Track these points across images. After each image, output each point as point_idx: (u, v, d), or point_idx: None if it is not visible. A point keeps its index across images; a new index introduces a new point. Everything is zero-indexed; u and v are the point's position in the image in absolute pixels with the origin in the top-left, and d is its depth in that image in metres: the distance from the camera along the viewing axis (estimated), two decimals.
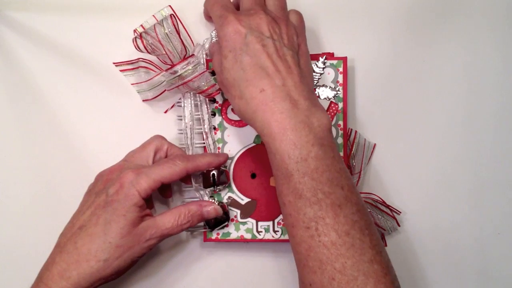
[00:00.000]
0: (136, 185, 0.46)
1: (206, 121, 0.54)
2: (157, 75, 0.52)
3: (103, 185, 0.48)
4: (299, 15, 0.50)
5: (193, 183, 0.54)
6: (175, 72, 0.51)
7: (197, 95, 0.54)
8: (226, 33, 0.45)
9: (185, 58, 0.52)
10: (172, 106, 0.56)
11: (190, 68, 0.51)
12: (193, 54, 0.53)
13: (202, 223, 0.53)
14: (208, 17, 0.52)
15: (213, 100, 0.54)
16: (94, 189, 0.49)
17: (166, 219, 0.48)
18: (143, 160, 0.51)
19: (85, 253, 0.45)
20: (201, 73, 0.51)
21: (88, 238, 0.45)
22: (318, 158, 0.42)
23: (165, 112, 0.56)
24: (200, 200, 0.53)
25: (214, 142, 0.54)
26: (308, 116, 0.43)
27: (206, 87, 0.52)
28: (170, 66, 0.52)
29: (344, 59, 0.54)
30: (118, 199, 0.46)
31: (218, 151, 0.54)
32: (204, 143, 0.54)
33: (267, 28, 0.45)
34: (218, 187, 0.53)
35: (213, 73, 0.55)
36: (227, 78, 0.46)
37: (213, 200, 0.53)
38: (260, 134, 0.44)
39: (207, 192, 0.54)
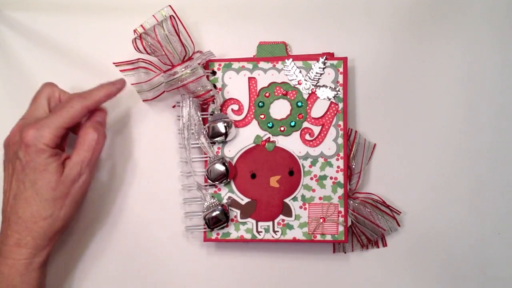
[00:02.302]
0: (41, 139, 0.47)
1: (197, 123, 0.54)
2: (156, 75, 0.53)
3: (12, 149, 0.49)
4: None
5: (196, 181, 0.54)
6: (175, 73, 0.51)
7: None
8: None
9: (184, 61, 0.52)
10: (173, 106, 0.56)
11: (188, 71, 0.51)
12: (191, 57, 0.53)
13: (202, 224, 0.53)
14: None
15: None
16: (7, 157, 0.50)
17: (80, 151, 0.48)
18: (40, 112, 0.50)
19: (29, 217, 0.47)
20: (199, 77, 0.51)
21: (26, 203, 0.47)
22: None
23: (173, 107, 0.56)
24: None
25: (209, 144, 0.54)
26: None
27: (202, 92, 0.52)
28: (169, 68, 0.52)
29: (344, 59, 0.54)
30: (31, 158, 0.47)
31: (218, 152, 0.54)
32: (199, 144, 0.54)
33: None
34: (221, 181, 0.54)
35: (213, 73, 0.55)
36: None
37: None
38: None
39: (208, 191, 0.54)
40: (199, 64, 0.52)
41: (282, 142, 0.55)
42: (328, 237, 0.54)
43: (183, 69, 0.51)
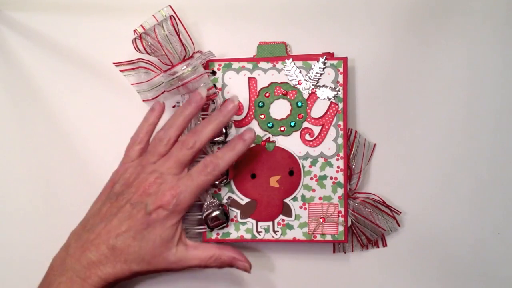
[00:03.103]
0: (177, 207, 0.47)
1: (197, 123, 0.54)
2: (156, 75, 0.53)
3: (140, 197, 0.48)
4: None
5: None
6: (174, 73, 0.51)
7: None
8: None
9: (184, 60, 0.52)
10: (173, 106, 0.56)
11: (189, 69, 0.51)
12: (192, 56, 0.53)
13: (202, 224, 0.53)
14: None
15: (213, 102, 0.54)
16: (126, 196, 0.48)
17: (197, 255, 0.49)
18: None
19: (121, 258, 0.46)
20: (200, 75, 0.51)
21: (126, 248, 0.46)
22: None
23: (173, 106, 0.56)
24: (234, 250, 0.51)
25: (209, 144, 0.54)
26: None
27: None
28: (169, 67, 0.52)
29: (344, 59, 0.54)
30: (158, 218, 0.47)
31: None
32: None
33: None
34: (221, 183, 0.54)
35: (213, 73, 0.55)
36: None
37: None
38: None
39: (208, 191, 0.54)
40: (199, 64, 0.52)
41: (282, 142, 0.55)
42: (328, 237, 0.54)
43: (183, 68, 0.51)
